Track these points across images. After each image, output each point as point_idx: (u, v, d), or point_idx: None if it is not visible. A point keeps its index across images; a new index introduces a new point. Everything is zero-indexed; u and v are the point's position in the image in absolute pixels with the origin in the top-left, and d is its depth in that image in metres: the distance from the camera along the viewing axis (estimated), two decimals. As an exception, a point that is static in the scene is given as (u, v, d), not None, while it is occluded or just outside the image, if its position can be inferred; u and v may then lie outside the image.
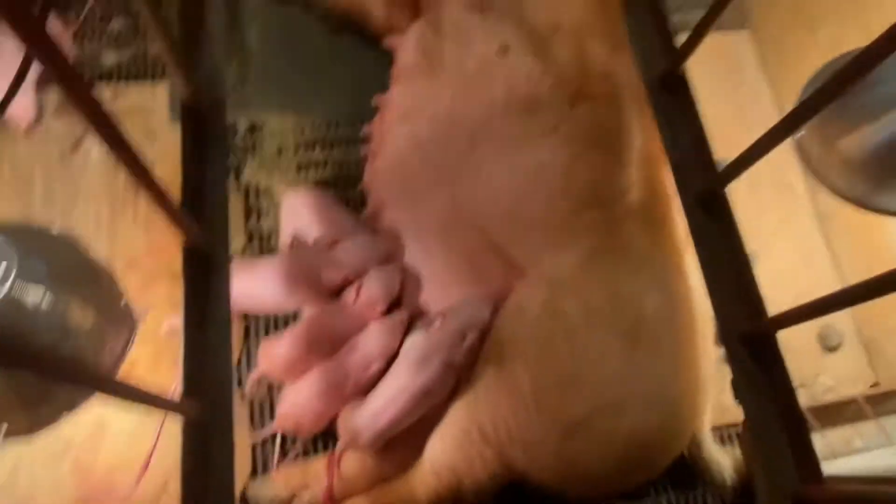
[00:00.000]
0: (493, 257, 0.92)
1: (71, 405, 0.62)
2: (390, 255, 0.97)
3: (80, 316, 0.62)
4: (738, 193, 1.28)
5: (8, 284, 0.57)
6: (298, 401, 0.92)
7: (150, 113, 1.16)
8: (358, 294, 0.92)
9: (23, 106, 1.05)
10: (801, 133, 1.13)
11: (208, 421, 0.70)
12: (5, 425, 0.59)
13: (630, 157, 0.93)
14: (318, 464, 0.89)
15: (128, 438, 0.98)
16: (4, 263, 0.58)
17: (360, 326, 0.92)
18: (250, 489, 0.92)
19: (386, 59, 1.12)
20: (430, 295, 0.95)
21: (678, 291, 0.88)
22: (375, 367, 0.89)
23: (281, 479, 0.88)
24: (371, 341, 0.90)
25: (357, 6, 1.15)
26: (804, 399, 1.11)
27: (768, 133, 0.66)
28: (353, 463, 0.90)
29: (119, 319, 0.67)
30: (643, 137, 0.94)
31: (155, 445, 0.96)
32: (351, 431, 0.88)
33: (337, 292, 0.97)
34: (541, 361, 0.81)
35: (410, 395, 0.84)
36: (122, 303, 0.69)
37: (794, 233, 1.26)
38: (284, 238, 1.02)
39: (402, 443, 0.89)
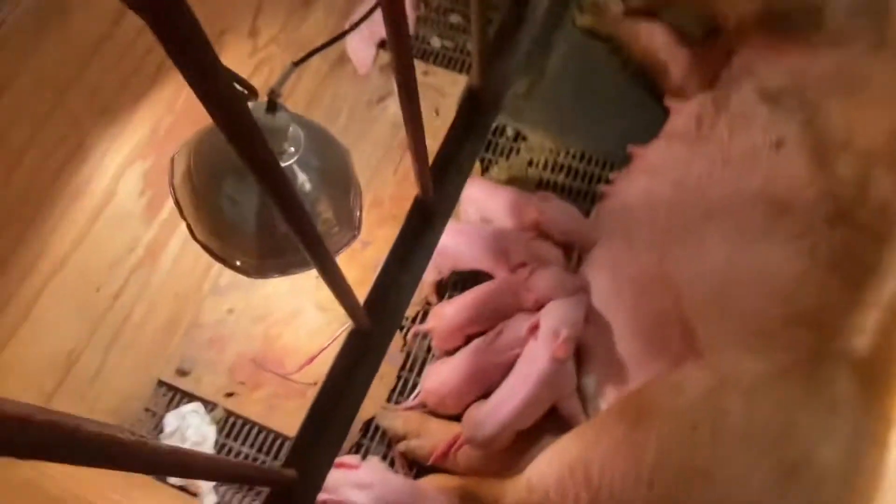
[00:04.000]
0: (677, 328, 0.90)
1: (292, 269, 0.77)
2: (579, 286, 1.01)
3: (324, 208, 0.77)
4: None
5: (288, 163, 0.74)
6: (446, 380, 1.01)
7: (444, 96, 1.35)
8: (529, 276, 0.98)
9: (364, 55, 1.30)
10: None
11: (371, 337, 0.81)
12: (239, 259, 0.76)
13: (874, 301, 0.84)
14: (436, 423, 0.96)
15: (311, 333, 1.16)
16: (294, 148, 0.74)
17: (518, 311, 0.98)
18: (378, 412, 1.03)
19: (661, 117, 1.15)
20: (600, 334, 0.96)
21: (865, 462, 0.77)
22: (516, 353, 0.93)
23: (403, 418, 0.97)
24: (517, 330, 0.95)
25: (659, 62, 1.20)
26: None
27: None
28: (463, 451, 0.96)
29: (347, 227, 0.82)
30: (901, 289, 0.84)
31: (325, 348, 1.12)
32: (473, 424, 0.93)
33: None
34: (676, 443, 0.78)
35: (523, 388, 0.90)
36: (356, 217, 0.83)
37: None
38: (466, 217, 1.13)
39: (510, 450, 0.92)
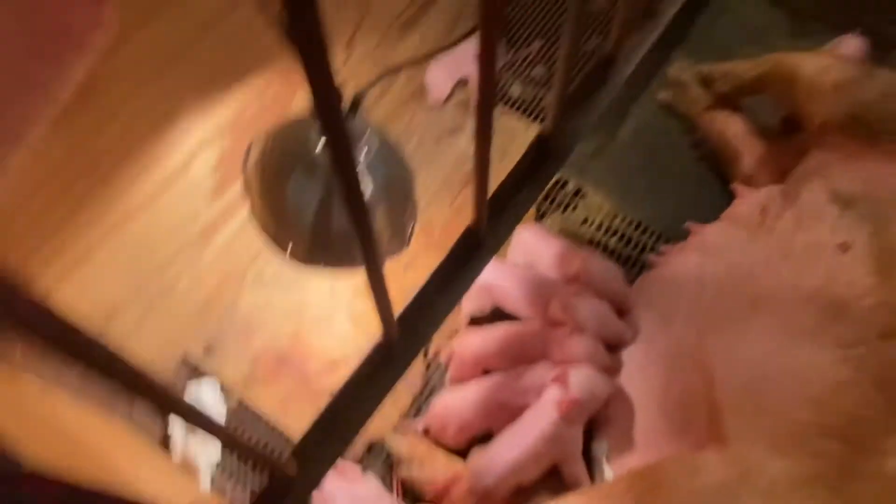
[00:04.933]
0: (703, 410, 0.87)
1: (337, 265, 0.79)
2: (618, 338, 0.99)
3: (379, 215, 0.79)
4: None
5: (358, 168, 0.76)
6: (453, 405, 1.00)
7: (514, 139, 1.38)
8: (565, 338, 0.96)
9: (442, 87, 1.34)
10: None
11: (397, 351, 0.82)
12: (292, 243, 0.78)
13: (918, 426, 0.80)
14: (442, 456, 0.94)
15: (339, 341, 1.17)
16: (365, 151, 0.77)
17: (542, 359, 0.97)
18: (388, 434, 1.02)
19: (724, 198, 1.15)
20: (622, 402, 0.94)
21: None
22: (528, 401, 0.92)
23: (410, 444, 0.96)
24: (536, 378, 0.94)
25: (733, 148, 1.21)
26: None
27: None
28: (461, 497, 0.94)
29: (397, 239, 0.84)
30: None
31: (350, 357, 1.13)
32: (475, 472, 0.92)
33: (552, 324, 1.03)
34: (682, 526, 0.74)
35: (524, 440, 0.88)
36: (407, 232, 0.85)
37: None
38: (512, 259, 1.13)
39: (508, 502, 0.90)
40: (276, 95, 1.01)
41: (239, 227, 1.11)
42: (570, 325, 1.00)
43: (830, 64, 1.09)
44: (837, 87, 1.04)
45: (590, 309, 1.02)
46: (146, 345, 1.05)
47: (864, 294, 0.87)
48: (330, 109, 0.44)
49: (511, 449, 0.90)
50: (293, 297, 1.20)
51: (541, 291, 1.03)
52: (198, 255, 1.06)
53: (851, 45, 1.26)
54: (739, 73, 1.22)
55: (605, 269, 1.06)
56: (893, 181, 0.94)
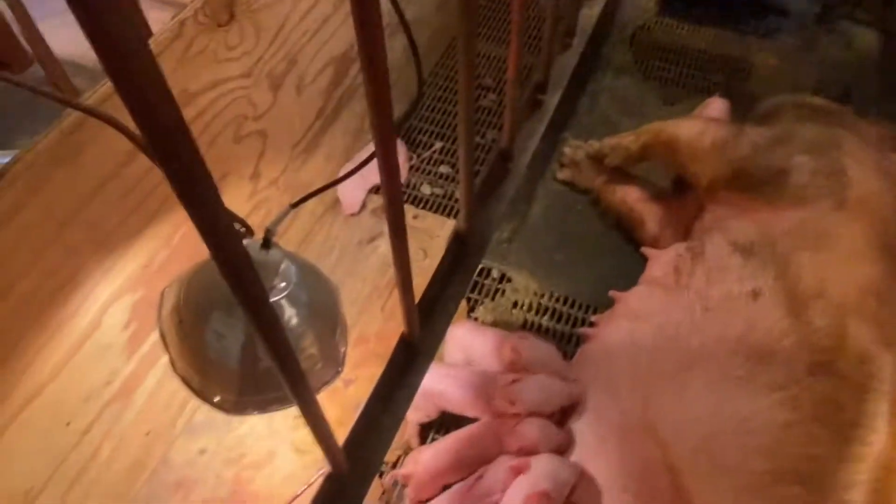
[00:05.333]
0: (665, 479, 0.87)
1: (271, 406, 0.75)
2: (568, 398, 0.99)
3: (308, 343, 0.77)
4: None
5: (276, 298, 0.75)
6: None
7: (433, 237, 1.40)
8: (515, 427, 0.95)
9: (354, 198, 1.36)
10: None
11: (348, 483, 0.78)
12: (218, 396, 0.74)
13: (861, 454, 0.83)
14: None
15: (285, 477, 1.10)
16: (284, 283, 0.76)
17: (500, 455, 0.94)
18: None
19: (638, 263, 1.20)
20: (586, 483, 0.92)
21: None
22: (495, 499, 0.89)
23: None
24: (498, 474, 0.91)
25: (635, 215, 1.28)
26: None
27: None
28: None
29: (331, 363, 0.81)
30: (887, 443, 0.84)
31: (298, 495, 1.05)
32: None
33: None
34: None
35: None
36: (341, 353, 0.83)
37: None
38: (451, 358, 1.12)
39: None
40: (183, 240, 0.99)
41: (161, 377, 1.04)
42: (520, 412, 0.99)
43: (705, 127, 1.19)
44: (715, 148, 1.13)
45: (533, 388, 1.01)
46: (70, 527, 0.94)
47: (783, 336, 0.91)
48: (228, 254, 0.43)
49: None
50: (229, 441, 1.12)
51: (482, 387, 1.02)
52: (118, 417, 0.99)
53: (716, 106, 1.39)
54: (626, 146, 1.32)
55: (539, 350, 1.07)
56: (783, 226, 1.02)
